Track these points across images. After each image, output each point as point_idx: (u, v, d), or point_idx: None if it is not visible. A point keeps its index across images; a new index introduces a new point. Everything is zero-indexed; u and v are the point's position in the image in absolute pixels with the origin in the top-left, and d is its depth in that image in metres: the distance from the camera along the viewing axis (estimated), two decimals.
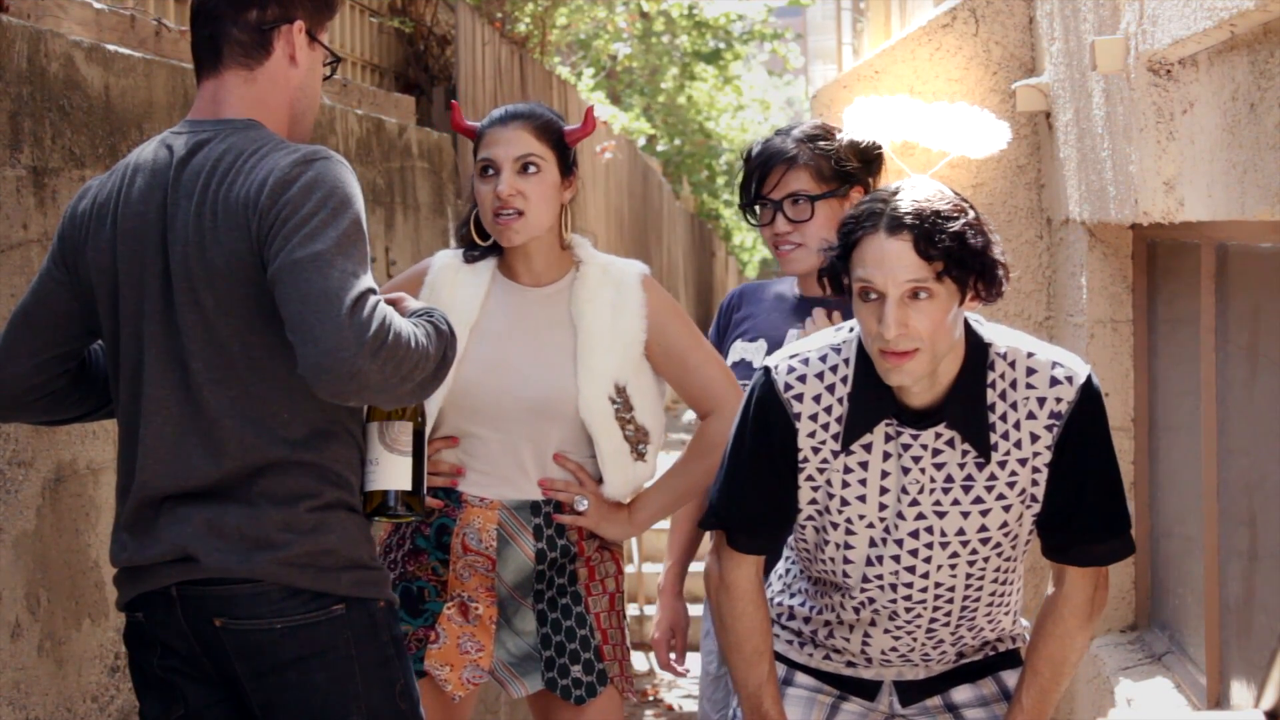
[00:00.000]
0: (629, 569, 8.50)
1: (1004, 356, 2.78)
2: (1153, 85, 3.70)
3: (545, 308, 3.32)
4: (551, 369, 3.26)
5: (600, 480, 3.32)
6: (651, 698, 7.87)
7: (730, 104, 22.26)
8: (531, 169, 3.26)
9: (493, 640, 3.28)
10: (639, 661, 8.37)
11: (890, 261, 2.64)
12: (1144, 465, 4.79)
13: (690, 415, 7.72)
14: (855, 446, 2.80)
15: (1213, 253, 3.97)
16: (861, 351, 2.80)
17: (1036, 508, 2.81)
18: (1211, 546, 3.98)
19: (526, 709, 3.66)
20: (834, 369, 2.82)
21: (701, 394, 3.36)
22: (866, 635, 2.91)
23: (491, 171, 3.27)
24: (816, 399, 2.81)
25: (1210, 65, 3.34)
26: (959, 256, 2.65)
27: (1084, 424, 2.76)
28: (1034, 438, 2.76)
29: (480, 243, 3.35)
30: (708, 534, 3.20)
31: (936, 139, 2.86)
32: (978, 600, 2.88)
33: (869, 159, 3.54)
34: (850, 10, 13.08)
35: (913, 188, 2.71)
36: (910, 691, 2.98)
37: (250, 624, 2.59)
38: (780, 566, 3.10)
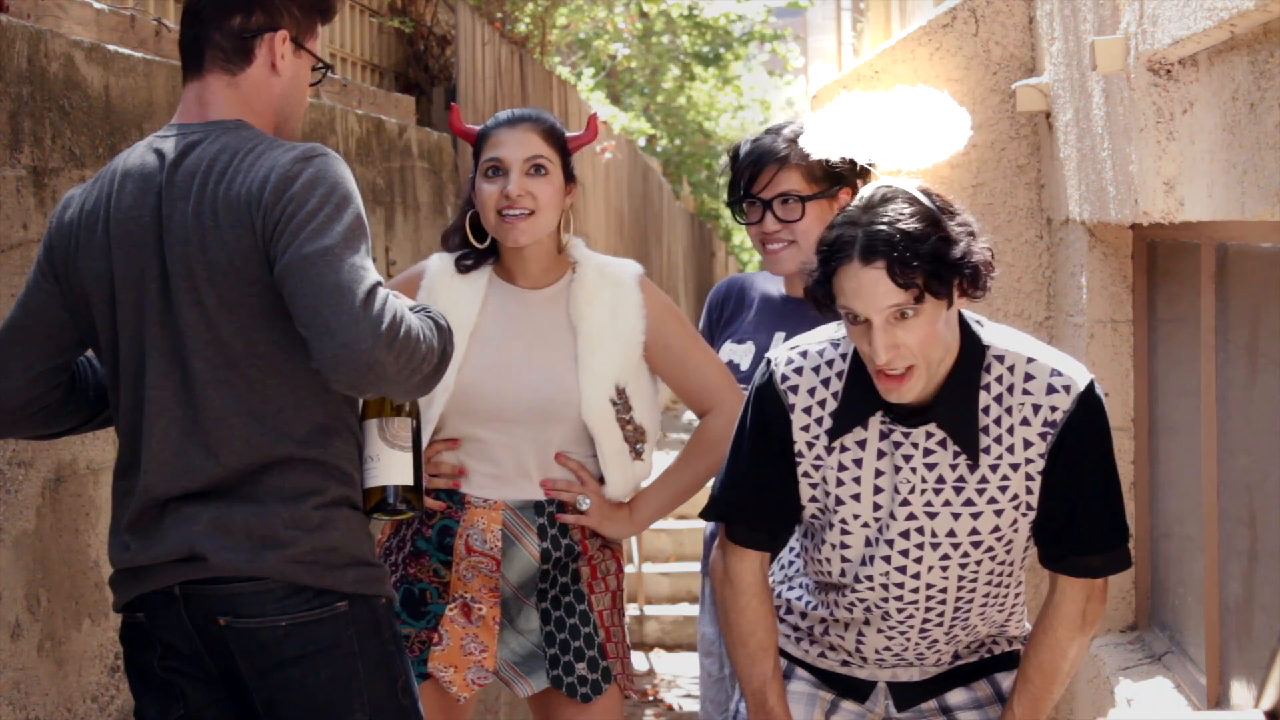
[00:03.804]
0: (629, 569, 8.50)
1: (1002, 360, 2.77)
2: (1153, 85, 3.70)
3: (544, 310, 3.32)
4: (553, 372, 3.27)
5: (601, 480, 3.33)
6: (651, 698, 7.88)
7: (730, 104, 22.24)
8: (541, 171, 3.27)
9: (496, 640, 3.28)
10: (638, 661, 8.38)
11: (868, 291, 2.63)
12: (1144, 465, 4.79)
13: (691, 415, 7.72)
14: (849, 443, 2.80)
15: (1213, 253, 3.97)
16: None
17: (1033, 515, 2.80)
18: (1211, 546, 3.98)
19: (526, 708, 3.65)
20: (830, 363, 2.82)
21: (699, 392, 3.36)
22: (861, 634, 2.91)
23: (498, 172, 3.27)
24: (811, 391, 2.81)
25: (1210, 65, 3.34)
26: (936, 273, 2.63)
27: (1079, 434, 2.75)
28: (1027, 444, 2.75)
29: (477, 244, 3.34)
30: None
31: (896, 157, 2.82)
32: (970, 603, 2.87)
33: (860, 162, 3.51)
34: (850, 10, 13.09)
35: (884, 202, 2.67)
36: (906, 695, 2.98)
37: (256, 622, 2.59)
38: (784, 556, 3.10)
